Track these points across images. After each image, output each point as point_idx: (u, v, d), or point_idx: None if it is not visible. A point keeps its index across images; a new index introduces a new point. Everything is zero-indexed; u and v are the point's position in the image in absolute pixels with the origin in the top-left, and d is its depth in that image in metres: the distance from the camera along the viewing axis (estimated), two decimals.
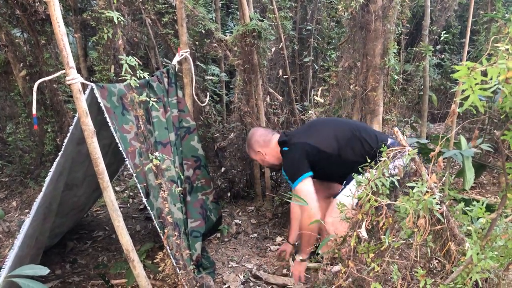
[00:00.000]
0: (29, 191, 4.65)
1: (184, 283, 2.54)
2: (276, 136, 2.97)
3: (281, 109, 4.38)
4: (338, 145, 2.71)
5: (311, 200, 2.58)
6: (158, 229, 2.55)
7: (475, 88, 1.29)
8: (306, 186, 2.65)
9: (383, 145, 2.08)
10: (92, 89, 2.36)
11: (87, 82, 2.29)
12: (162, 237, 2.52)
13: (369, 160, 2.11)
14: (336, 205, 2.21)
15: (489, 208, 2.18)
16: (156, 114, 2.91)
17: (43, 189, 2.43)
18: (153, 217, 2.56)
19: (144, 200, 2.52)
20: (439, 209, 1.80)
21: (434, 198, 1.73)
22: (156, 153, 2.59)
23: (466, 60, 1.66)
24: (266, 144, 2.97)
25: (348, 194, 2.21)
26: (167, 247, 2.52)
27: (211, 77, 5.14)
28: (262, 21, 3.60)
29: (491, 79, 1.29)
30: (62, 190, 2.85)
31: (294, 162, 2.71)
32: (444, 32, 5.96)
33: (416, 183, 1.78)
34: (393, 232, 1.92)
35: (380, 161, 2.03)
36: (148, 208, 2.54)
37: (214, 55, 5.04)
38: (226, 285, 2.99)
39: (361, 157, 2.46)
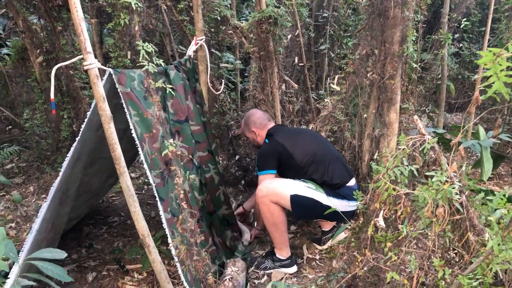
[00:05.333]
0: (45, 176, 4.71)
1: (199, 269, 2.55)
2: (270, 125, 3.32)
3: (296, 97, 4.35)
4: (310, 161, 3.03)
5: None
6: (171, 216, 2.54)
7: (501, 75, 1.25)
8: (265, 178, 3.08)
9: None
10: (110, 74, 2.35)
11: (105, 67, 2.28)
12: (176, 223, 2.52)
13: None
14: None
15: (510, 199, 2.14)
16: (167, 103, 2.87)
17: (60, 174, 2.44)
18: (159, 204, 2.51)
19: (154, 185, 2.46)
20: (459, 199, 1.77)
21: (454, 188, 1.70)
22: (171, 140, 2.58)
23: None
24: (262, 127, 3.32)
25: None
26: (180, 233, 2.52)
27: (226, 65, 5.12)
28: (278, 7, 3.56)
29: None
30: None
31: (265, 156, 3.11)
32: (465, 20, 5.81)
33: (436, 172, 1.75)
34: (411, 221, 1.90)
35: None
36: (157, 193, 2.47)
37: (229, 43, 5.01)
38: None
39: (318, 179, 3.00)
